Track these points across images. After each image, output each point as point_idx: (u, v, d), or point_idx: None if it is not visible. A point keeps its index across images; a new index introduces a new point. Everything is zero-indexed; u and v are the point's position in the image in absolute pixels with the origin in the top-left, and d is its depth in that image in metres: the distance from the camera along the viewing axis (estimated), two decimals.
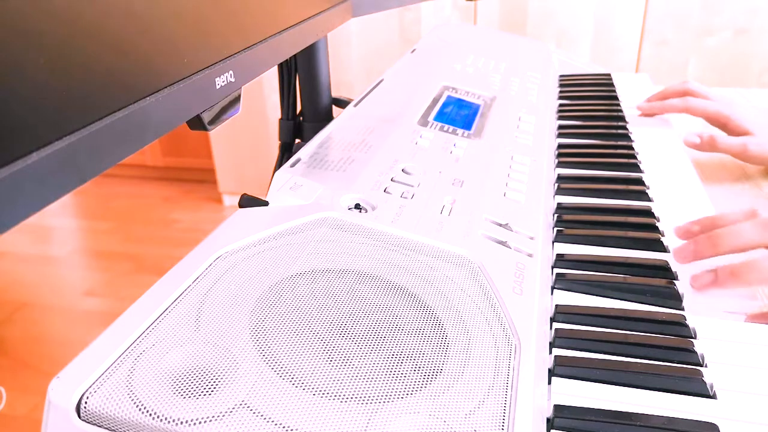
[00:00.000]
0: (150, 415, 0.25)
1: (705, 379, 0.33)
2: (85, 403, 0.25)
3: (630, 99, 0.81)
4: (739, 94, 0.87)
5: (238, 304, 0.31)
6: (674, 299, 0.40)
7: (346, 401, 0.27)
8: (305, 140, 0.76)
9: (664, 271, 0.43)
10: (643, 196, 0.54)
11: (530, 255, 0.42)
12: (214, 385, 0.26)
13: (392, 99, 0.65)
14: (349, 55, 1.87)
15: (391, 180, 0.47)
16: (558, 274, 0.43)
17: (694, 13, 1.63)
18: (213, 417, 0.25)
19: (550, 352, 0.36)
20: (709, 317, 0.39)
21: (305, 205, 0.42)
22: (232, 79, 0.36)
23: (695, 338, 0.37)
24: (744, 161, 0.65)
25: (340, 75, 1.90)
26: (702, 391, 0.33)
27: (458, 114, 0.64)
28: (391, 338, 0.31)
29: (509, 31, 1.38)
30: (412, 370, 0.29)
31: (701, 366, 0.35)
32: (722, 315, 0.40)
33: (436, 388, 0.28)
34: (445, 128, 0.59)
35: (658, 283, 0.41)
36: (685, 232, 0.47)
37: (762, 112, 0.66)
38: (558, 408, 0.31)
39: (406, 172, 0.49)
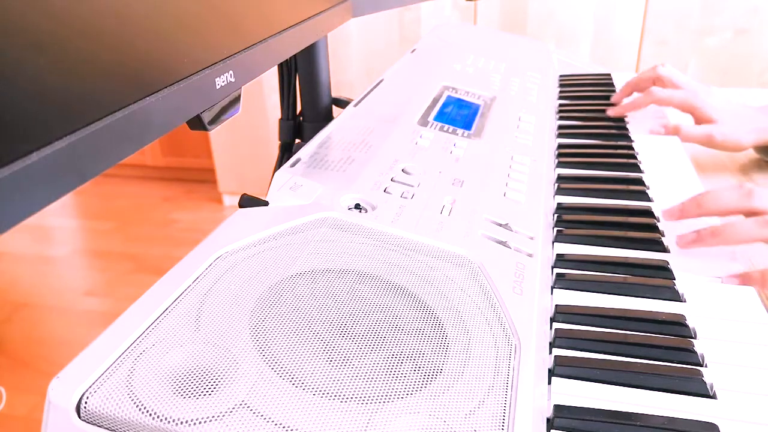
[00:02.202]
0: (150, 415, 0.25)
1: (705, 379, 0.33)
2: (85, 403, 0.25)
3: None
4: (739, 94, 0.88)
5: (238, 304, 0.31)
6: (674, 300, 0.40)
7: (346, 401, 0.27)
8: (305, 140, 0.76)
9: (664, 271, 0.43)
10: (643, 196, 0.54)
11: (530, 255, 0.42)
12: (214, 385, 0.26)
13: (392, 99, 0.65)
14: (349, 55, 1.87)
15: (391, 180, 0.47)
16: (558, 274, 0.43)
17: (694, 13, 1.63)
18: (213, 417, 0.25)
19: (550, 352, 0.36)
20: (708, 316, 0.39)
21: (305, 205, 0.42)
22: (232, 79, 0.36)
23: (695, 338, 0.37)
24: (711, 148, 0.67)
25: (340, 75, 1.90)
26: (702, 391, 0.33)
27: (458, 114, 0.64)
28: (391, 338, 0.31)
29: (509, 31, 1.38)
30: (412, 370, 0.29)
31: (701, 366, 0.35)
32: (711, 278, 0.42)
33: (436, 388, 0.28)
34: (445, 128, 0.59)
35: (658, 282, 0.41)
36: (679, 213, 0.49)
37: (726, 100, 0.68)
38: (558, 408, 0.31)
39: (406, 172, 0.49)
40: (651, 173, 0.59)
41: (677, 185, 0.57)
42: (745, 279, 0.42)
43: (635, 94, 0.76)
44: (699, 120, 0.68)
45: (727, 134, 0.65)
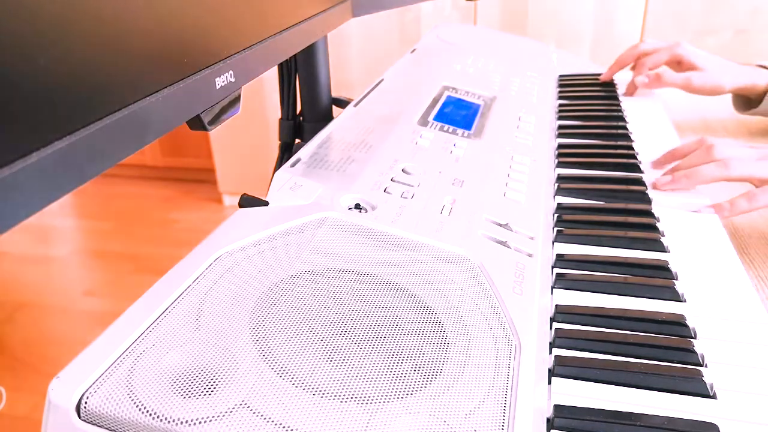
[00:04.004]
0: (150, 415, 0.25)
1: (705, 379, 0.33)
2: (85, 403, 0.25)
3: (630, 98, 0.81)
4: None
5: (238, 304, 0.31)
6: (674, 300, 0.40)
7: (346, 401, 0.27)
8: (305, 140, 0.76)
9: (664, 271, 0.43)
10: (643, 196, 0.54)
11: (530, 255, 0.42)
12: (214, 385, 0.26)
13: (392, 99, 0.65)
14: (349, 55, 1.87)
15: (391, 180, 0.47)
16: (558, 274, 0.43)
17: (694, 13, 1.63)
18: (213, 417, 0.25)
19: (550, 352, 0.36)
20: (708, 316, 0.39)
21: (305, 205, 0.42)
22: (232, 79, 0.36)
23: (695, 338, 0.37)
24: (691, 93, 0.75)
25: (340, 75, 1.90)
26: (702, 391, 0.33)
27: (458, 114, 0.64)
28: (391, 338, 0.31)
29: (509, 31, 1.38)
30: (412, 370, 0.29)
31: (701, 366, 0.35)
32: (687, 212, 0.52)
33: (436, 388, 0.28)
34: (445, 128, 0.59)
35: (658, 282, 0.41)
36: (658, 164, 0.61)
37: (710, 53, 0.78)
38: (558, 408, 0.31)
39: (406, 172, 0.49)
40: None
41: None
42: (717, 209, 0.52)
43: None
44: (684, 68, 0.76)
45: (706, 78, 0.73)
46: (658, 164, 0.61)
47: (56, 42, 0.22)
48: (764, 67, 0.76)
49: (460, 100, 0.68)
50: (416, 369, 0.29)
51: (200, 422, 0.25)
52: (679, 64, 0.78)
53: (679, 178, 0.55)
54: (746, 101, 0.78)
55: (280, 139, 0.76)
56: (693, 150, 0.57)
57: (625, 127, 0.70)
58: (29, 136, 0.21)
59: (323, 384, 0.28)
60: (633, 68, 0.84)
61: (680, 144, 0.61)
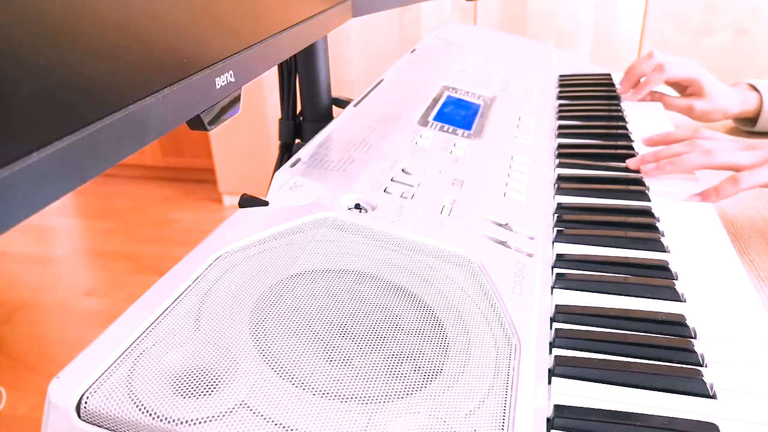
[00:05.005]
0: (150, 415, 0.25)
1: (705, 379, 0.33)
2: (85, 403, 0.25)
3: (629, 99, 0.81)
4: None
5: (238, 304, 0.31)
6: (674, 300, 0.40)
7: (346, 401, 0.27)
8: (305, 140, 0.76)
9: (664, 271, 0.43)
10: (643, 196, 0.54)
11: (530, 255, 0.42)
12: (214, 385, 0.26)
13: (392, 99, 0.65)
14: (349, 55, 1.87)
15: (391, 180, 0.47)
16: (558, 274, 0.43)
17: (694, 13, 1.63)
18: (213, 417, 0.25)
19: (550, 352, 0.36)
20: (708, 316, 0.39)
21: (305, 205, 0.42)
22: (232, 79, 0.36)
23: (695, 338, 0.37)
24: (691, 119, 0.79)
25: (340, 75, 1.90)
26: (702, 391, 0.33)
27: (458, 114, 0.64)
28: (391, 338, 0.31)
29: (509, 31, 1.38)
30: (412, 370, 0.29)
31: (701, 366, 0.35)
32: (677, 200, 0.53)
33: (436, 388, 0.28)
34: (445, 128, 0.59)
35: (658, 282, 0.41)
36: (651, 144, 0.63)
37: (717, 80, 0.80)
38: (558, 408, 0.31)
39: (406, 172, 0.49)
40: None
41: (677, 185, 0.58)
42: (704, 196, 0.53)
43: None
44: (693, 90, 0.79)
45: (706, 108, 0.77)
46: (650, 142, 0.63)
47: (56, 42, 0.22)
48: (752, 87, 0.78)
49: (460, 100, 0.68)
50: (416, 369, 0.29)
51: (200, 422, 0.25)
52: (684, 89, 0.81)
53: (664, 165, 0.56)
54: (744, 119, 0.80)
55: (280, 139, 0.76)
56: (686, 136, 0.60)
57: (625, 127, 0.70)
58: (29, 136, 0.21)
59: (323, 384, 0.28)
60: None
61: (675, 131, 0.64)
